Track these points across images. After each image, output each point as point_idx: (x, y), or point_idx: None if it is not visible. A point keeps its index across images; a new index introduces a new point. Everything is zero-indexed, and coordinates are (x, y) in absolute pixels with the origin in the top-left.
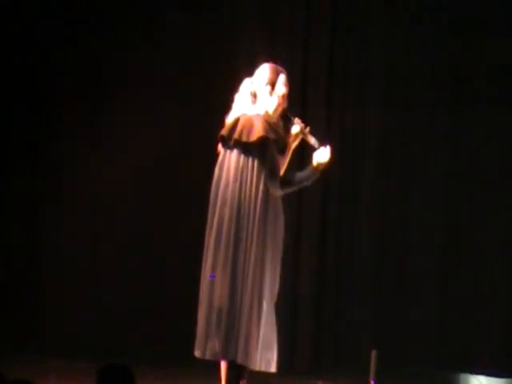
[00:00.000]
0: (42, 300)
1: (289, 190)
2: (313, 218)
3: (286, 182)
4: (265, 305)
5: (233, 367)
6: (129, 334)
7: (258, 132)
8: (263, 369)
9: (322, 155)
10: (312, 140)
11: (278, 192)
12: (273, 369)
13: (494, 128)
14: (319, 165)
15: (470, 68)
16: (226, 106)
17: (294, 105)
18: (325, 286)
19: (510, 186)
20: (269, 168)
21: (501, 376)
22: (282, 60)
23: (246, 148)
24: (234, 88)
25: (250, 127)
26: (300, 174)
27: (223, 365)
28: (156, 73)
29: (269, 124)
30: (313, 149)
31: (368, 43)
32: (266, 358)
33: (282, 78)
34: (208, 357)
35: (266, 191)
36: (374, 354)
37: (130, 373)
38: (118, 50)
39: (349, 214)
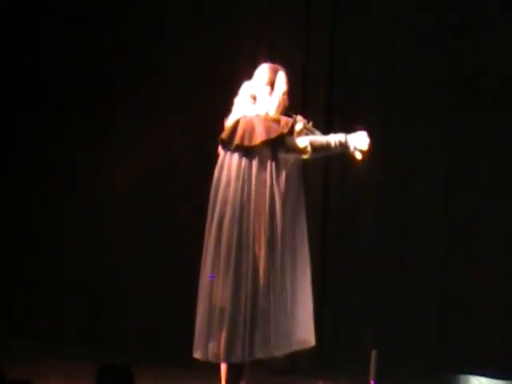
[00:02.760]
0: (42, 300)
1: (316, 156)
2: (313, 218)
3: (308, 147)
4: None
5: (233, 367)
6: (129, 333)
7: (260, 136)
8: (300, 347)
9: (361, 141)
10: (316, 134)
11: (306, 156)
12: (313, 342)
13: (494, 128)
14: (356, 149)
15: (470, 68)
16: (227, 107)
17: (294, 105)
18: (325, 286)
19: (510, 186)
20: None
21: (501, 377)
22: (282, 60)
23: (248, 151)
24: (234, 88)
25: (251, 130)
26: (326, 140)
27: (223, 365)
28: (156, 73)
29: (270, 123)
30: None
31: (368, 43)
32: (303, 335)
33: (282, 76)
34: (210, 358)
35: (270, 189)
36: (374, 353)
37: (129, 373)
38: (118, 50)
39: (349, 214)
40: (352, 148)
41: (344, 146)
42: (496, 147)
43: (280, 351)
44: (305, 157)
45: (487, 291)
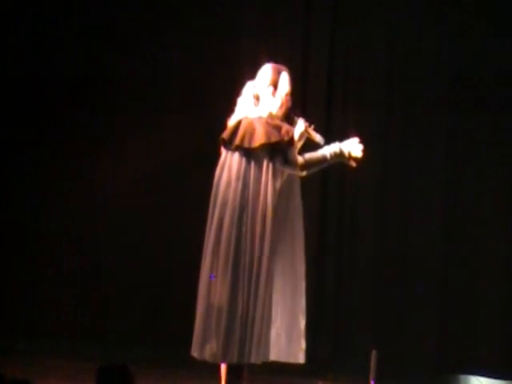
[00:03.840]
0: (42, 300)
1: (312, 171)
2: (312, 217)
3: (305, 165)
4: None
5: (232, 367)
6: (129, 333)
7: (259, 138)
8: (291, 360)
9: (354, 148)
10: (317, 137)
11: (302, 174)
12: (301, 360)
13: (495, 128)
14: (351, 157)
15: (470, 68)
16: (228, 108)
17: (294, 105)
18: (325, 286)
19: (511, 185)
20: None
21: (501, 377)
22: (281, 60)
23: (248, 153)
24: (234, 88)
25: (251, 132)
26: (322, 154)
27: (223, 365)
28: (157, 74)
29: (270, 127)
30: (319, 146)
31: (368, 43)
32: (291, 349)
33: (285, 76)
34: (207, 358)
35: (264, 191)
36: (374, 354)
37: (129, 373)
38: (118, 51)
39: (349, 214)
40: (347, 156)
41: (339, 156)
42: (496, 147)
43: (261, 358)
44: (301, 174)
45: (487, 292)
